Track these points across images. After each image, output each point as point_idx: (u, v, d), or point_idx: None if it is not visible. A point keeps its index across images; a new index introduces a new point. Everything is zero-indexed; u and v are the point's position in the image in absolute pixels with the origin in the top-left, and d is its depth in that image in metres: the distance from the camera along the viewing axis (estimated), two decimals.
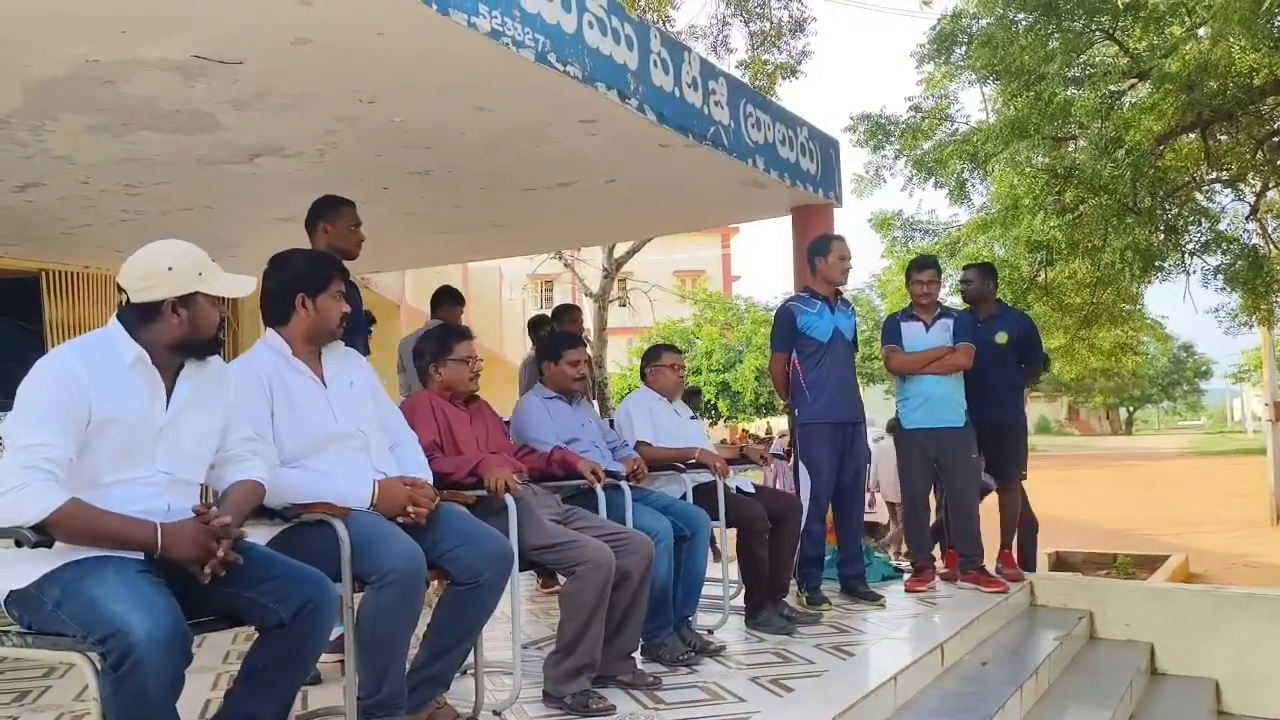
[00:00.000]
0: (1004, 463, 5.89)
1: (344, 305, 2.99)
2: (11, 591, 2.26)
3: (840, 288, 5.41)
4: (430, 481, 3.00)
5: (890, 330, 5.67)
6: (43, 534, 2.13)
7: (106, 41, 3.70)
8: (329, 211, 4.14)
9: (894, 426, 6.58)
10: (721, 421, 28.46)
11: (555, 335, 4.75)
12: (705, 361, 28.24)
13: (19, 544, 2.13)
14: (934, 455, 5.53)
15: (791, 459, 5.53)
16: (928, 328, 5.54)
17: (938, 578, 5.64)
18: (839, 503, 5.31)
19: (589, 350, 4.85)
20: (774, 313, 5.60)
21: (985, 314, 5.89)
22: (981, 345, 5.59)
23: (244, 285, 2.49)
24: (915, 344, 5.54)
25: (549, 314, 7.11)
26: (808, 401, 5.20)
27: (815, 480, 5.14)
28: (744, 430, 25.07)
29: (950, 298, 7.32)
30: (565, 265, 17.90)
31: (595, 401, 6.10)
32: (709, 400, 27.92)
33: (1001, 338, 5.78)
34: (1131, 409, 70.92)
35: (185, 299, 2.37)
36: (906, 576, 5.68)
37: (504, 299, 21.49)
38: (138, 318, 2.38)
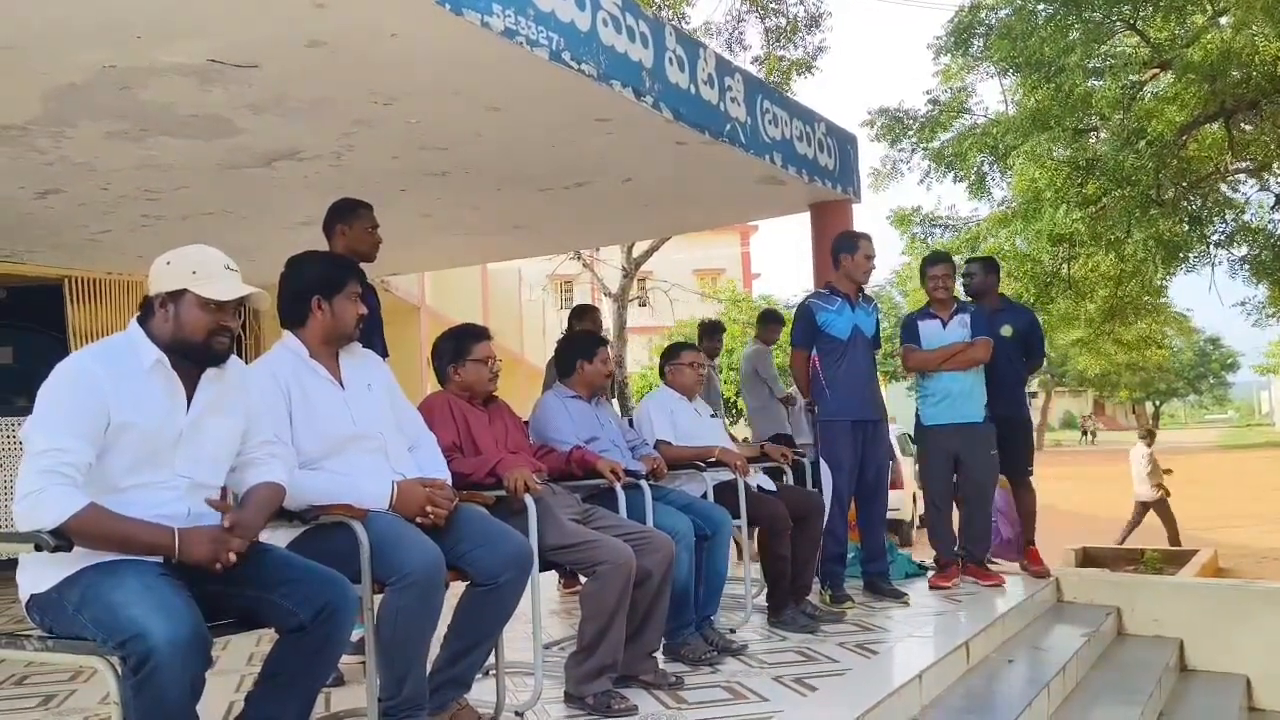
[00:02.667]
0: (1017, 458, 5.83)
1: (361, 307, 2.97)
2: (32, 595, 2.27)
3: (863, 285, 5.37)
4: (449, 482, 2.99)
5: (908, 329, 5.65)
6: (61, 538, 2.12)
7: (122, 48, 3.72)
8: (346, 214, 4.13)
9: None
10: (742, 420, 28.41)
11: (584, 334, 4.72)
12: (726, 360, 28.18)
13: (39, 548, 2.12)
14: (954, 451, 5.49)
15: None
16: (944, 324, 5.51)
17: (961, 575, 5.57)
18: (861, 500, 5.28)
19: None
20: (794, 310, 5.58)
21: (989, 308, 5.83)
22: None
23: (236, 290, 2.38)
24: (932, 341, 5.50)
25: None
26: (827, 399, 5.18)
27: (837, 477, 5.11)
28: None
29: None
30: (584, 265, 17.88)
31: (616, 401, 6.05)
32: (729, 399, 27.87)
33: (1006, 330, 5.73)
34: (1158, 403, 70.24)
35: (174, 295, 2.34)
36: (930, 574, 5.64)
37: (523, 300, 21.50)
38: (144, 314, 2.39)
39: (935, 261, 5.69)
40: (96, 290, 8.07)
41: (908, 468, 10.91)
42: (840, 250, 5.32)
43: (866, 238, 5.35)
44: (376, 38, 3.78)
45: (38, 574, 2.25)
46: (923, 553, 6.67)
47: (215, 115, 4.49)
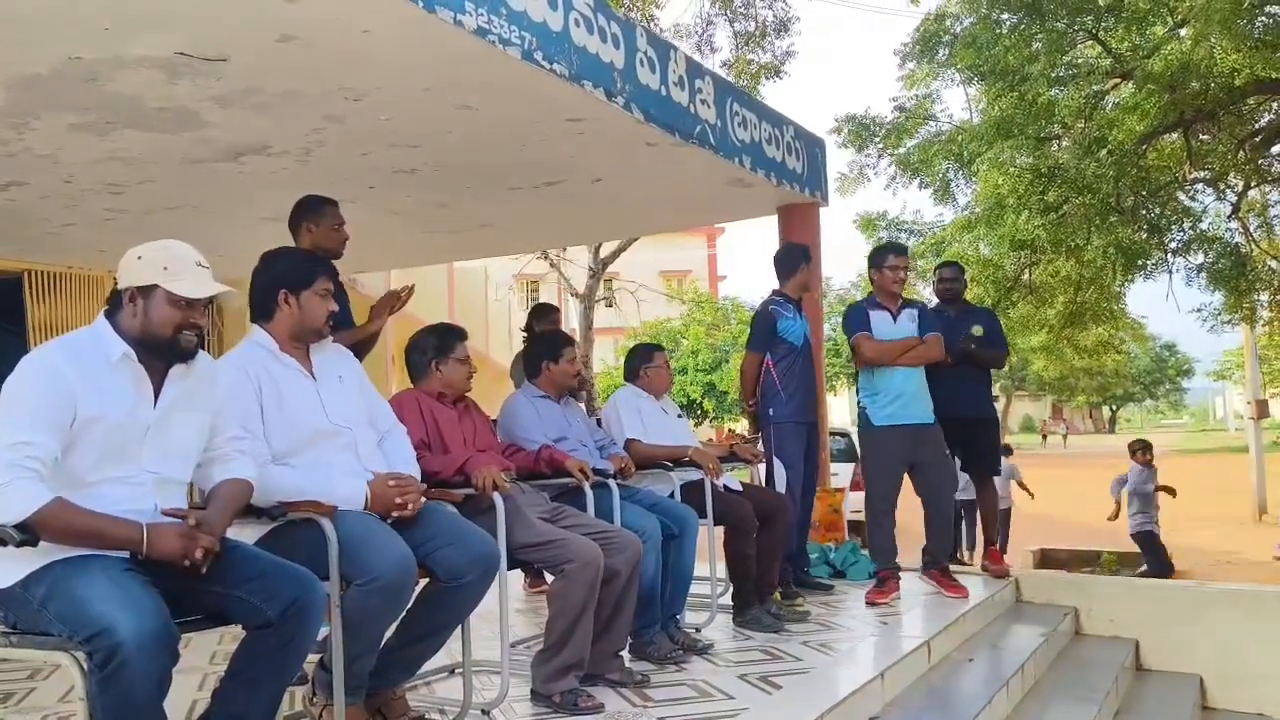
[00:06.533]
0: (984, 458, 5.90)
1: (331, 304, 2.95)
2: None
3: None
4: (418, 476, 3.00)
5: (858, 318, 5.28)
6: (27, 533, 2.11)
7: (90, 39, 3.68)
8: (312, 211, 4.13)
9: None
10: (707, 421, 28.50)
11: (551, 335, 4.72)
12: (691, 361, 28.28)
13: (3, 543, 2.10)
14: (907, 454, 5.23)
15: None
16: (894, 317, 5.27)
17: (900, 589, 5.24)
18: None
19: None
20: (755, 314, 5.58)
21: (957, 310, 5.92)
22: (959, 341, 5.57)
23: (208, 288, 2.38)
24: (884, 334, 5.23)
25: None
26: (782, 401, 5.25)
27: (791, 475, 5.19)
28: (730, 430, 25.08)
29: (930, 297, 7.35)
30: (551, 265, 17.88)
31: (582, 403, 6.04)
32: (696, 399, 27.96)
33: (977, 330, 5.78)
34: (1114, 407, 71.36)
35: (144, 290, 2.33)
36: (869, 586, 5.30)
37: (490, 299, 21.43)
38: (112, 308, 2.38)
39: (898, 252, 5.46)
40: (57, 284, 7.95)
41: None
42: (802, 261, 5.41)
43: (815, 248, 5.52)
44: (348, 33, 3.77)
45: (2, 568, 2.22)
46: None
47: (183, 109, 4.45)
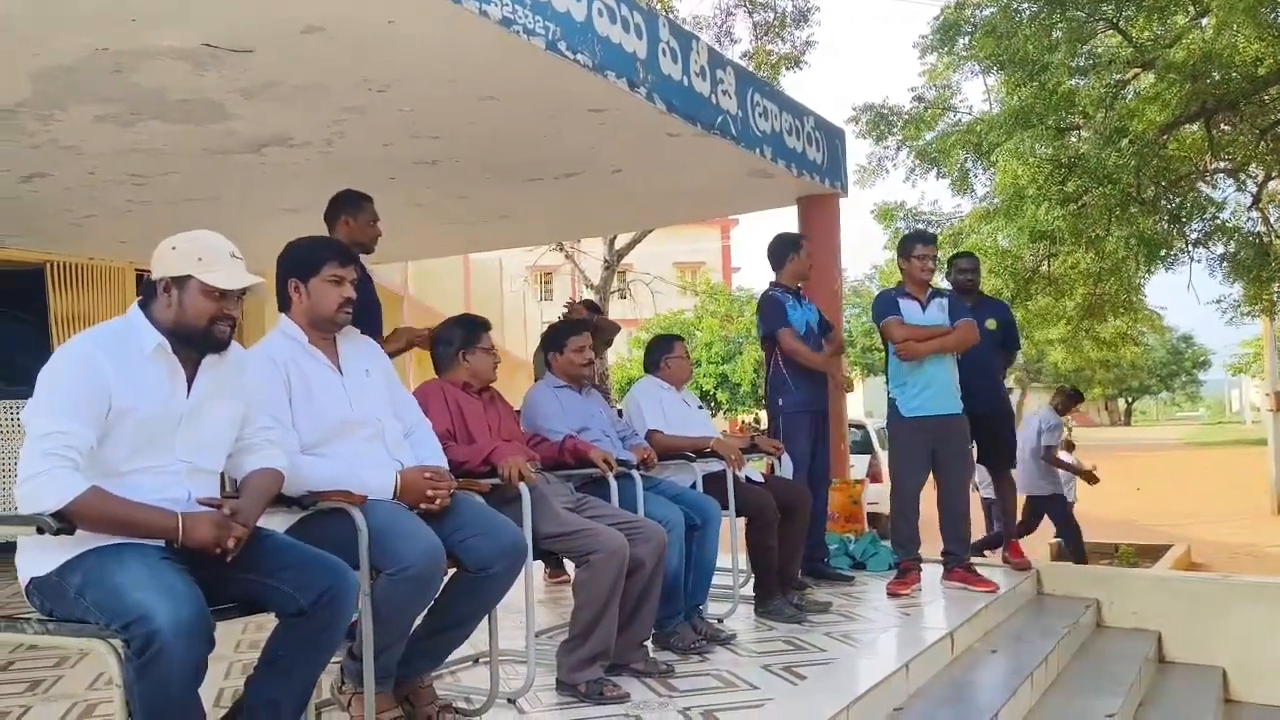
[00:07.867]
0: (1001, 453, 5.88)
1: (345, 290, 2.91)
2: (33, 579, 2.26)
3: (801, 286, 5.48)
4: (446, 468, 3.00)
5: (888, 305, 5.21)
6: (64, 521, 2.11)
7: (116, 30, 3.69)
8: (350, 205, 4.19)
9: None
10: (721, 413, 28.48)
11: (556, 325, 4.72)
12: (705, 353, 28.26)
13: (41, 531, 2.11)
14: (933, 445, 5.17)
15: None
16: (924, 306, 5.21)
17: (921, 581, 5.20)
18: (810, 487, 5.27)
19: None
20: (759, 302, 5.47)
21: (972, 302, 5.83)
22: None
23: (242, 279, 2.39)
24: (914, 323, 5.15)
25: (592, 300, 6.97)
26: (791, 390, 5.23)
27: (797, 466, 5.18)
28: (743, 422, 25.08)
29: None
30: (566, 257, 17.87)
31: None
32: (709, 391, 27.96)
33: (991, 324, 5.74)
34: (1130, 400, 70.97)
35: (179, 280, 2.34)
36: (891, 577, 5.28)
37: (504, 291, 21.46)
38: (146, 298, 2.39)
39: (926, 240, 5.39)
40: (78, 275, 7.98)
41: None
42: (790, 250, 5.36)
43: (807, 238, 5.52)
44: (374, 24, 3.77)
45: (37, 557, 2.25)
46: None
47: (207, 100, 4.46)
